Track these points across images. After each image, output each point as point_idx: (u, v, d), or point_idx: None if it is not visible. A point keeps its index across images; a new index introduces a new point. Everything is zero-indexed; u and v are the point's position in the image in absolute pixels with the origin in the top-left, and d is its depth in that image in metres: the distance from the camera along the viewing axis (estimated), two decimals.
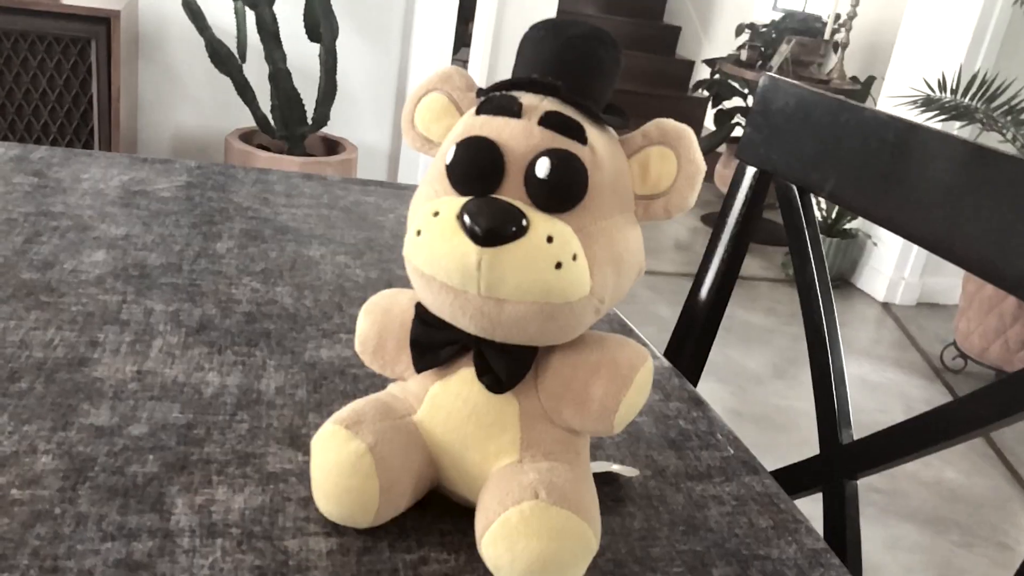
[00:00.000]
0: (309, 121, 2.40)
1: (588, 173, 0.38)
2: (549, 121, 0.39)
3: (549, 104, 0.39)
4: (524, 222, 0.37)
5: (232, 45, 2.31)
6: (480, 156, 0.39)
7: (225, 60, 2.25)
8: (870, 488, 2.01)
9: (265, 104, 2.49)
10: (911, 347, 2.86)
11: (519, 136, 0.38)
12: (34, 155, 0.88)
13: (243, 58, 2.29)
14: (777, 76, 0.77)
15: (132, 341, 0.57)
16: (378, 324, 0.44)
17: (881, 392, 2.50)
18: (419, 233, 0.39)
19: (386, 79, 2.76)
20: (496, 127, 0.39)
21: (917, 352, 2.82)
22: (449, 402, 0.42)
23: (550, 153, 0.38)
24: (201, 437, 0.48)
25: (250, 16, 2.38)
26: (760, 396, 2.35)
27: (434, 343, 0.42)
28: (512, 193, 0.38)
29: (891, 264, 3.16)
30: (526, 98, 0.40)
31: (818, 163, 0.71)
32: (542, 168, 0.38)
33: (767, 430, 2.20)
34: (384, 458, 0.41)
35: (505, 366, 0.41)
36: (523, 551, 0.38)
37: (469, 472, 0.43)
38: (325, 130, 2.64)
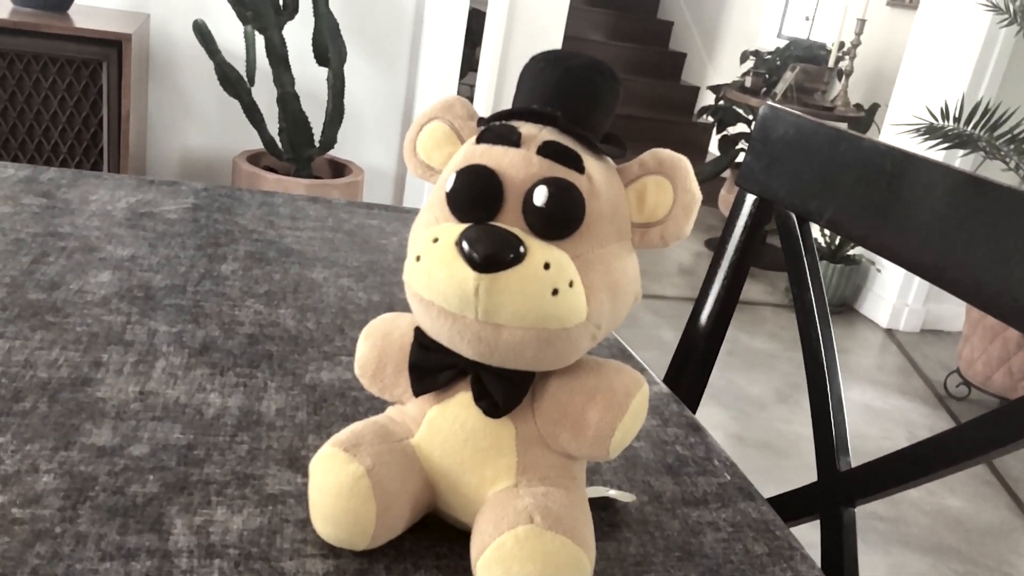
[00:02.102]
0: (316, 144, 2.42)
1: (585, 201, 0.39)
2: (547, 150, 0.39)
3: (548, 134, 0.40)
4: (521, 249, 0.38)
5: (241, 68, 2.34)
6: (479, 184, 0.39)
7: (234, 83, 2.27)
8: (873, 516, 2.00)
9: (273, 126, 2.52)
10: (915, 374, 2.85)
11: (518, 165, 0.39)
12: (43, 176, 0.89)
13: (252, 81, 2.32)
14: (777, 105, 0.78)
15: (135, 362, 0.57)
16: (377, 348, 0.45)
17: (884, 419, 2.49)
18: (419, 259, 0.40)
19: (393, 103, 2.79)
20: (495, 156, 0.40)
21: (921, 379, 2.82)
22: (446, 426, 0.43)
23: (548, 182, 0.39)
24: (201, 458, 0.49)
25: (259, 40, 2.41)
26: (763, 421, 2.34)
27: (432, 367, 0.42)
28: (510, 221, 0.39)
29: (895, 290, 3.16)
30: (525, 128, 0.40)
31: (817, 192, 0.72)
32: (540, 196, 0.38)
33: (769, 455, 2.19)
34: (381, 481, 0.41)
35: (502, 391, 0.41)
36: (518, 575, 0.39)
37: (466, 496, 0.43)
38: (332, 153, 2.66)
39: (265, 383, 0.57)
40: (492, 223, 0.39)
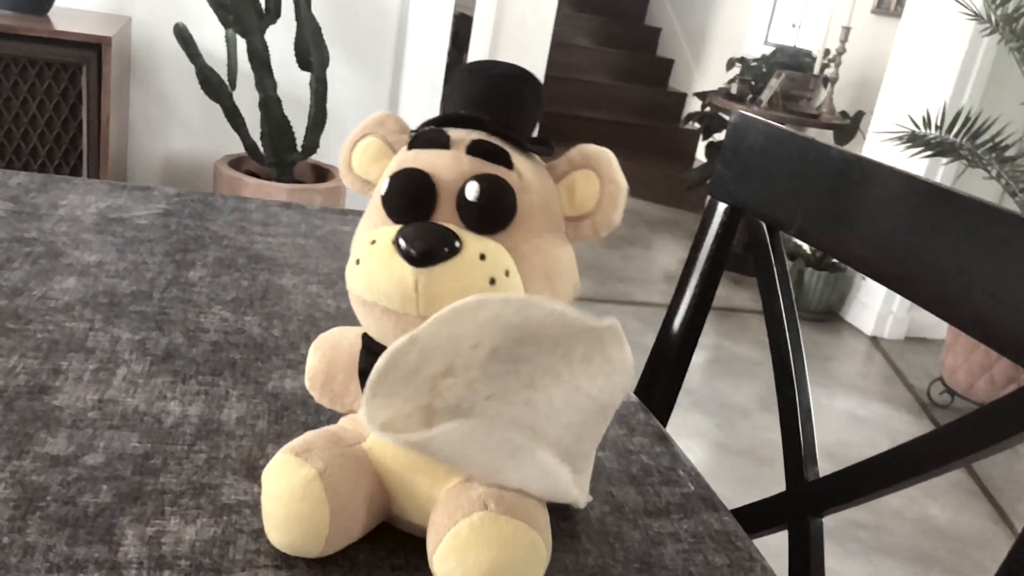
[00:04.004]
0: (299, 148, 2.42)
1: (516, 195, 0.41)
2: (476, 149, 0.41)
3: (476, 136, 0.42)
4: (457, 243, 0.39)
5: (223, 72, 2.33)
6: (412, 185, 0.41)
7: (215, 87, 2.26)
8: (855, 524, 2.00)
9: (255, 131, 2.51)
10: (899, 381, 2.86)
11: (449, 165, 0.41)
12: (12, 181, 0.88)
13: (233, 85, 2.31)
14: (748, 113, 0.78)
15: (96, 369, 0.57)
16: (327, 358, 0.46)
17: (868, 427, 2.50)
18: (358, 262, 0.41)
19: (377, 107, 2.78)
20: (427, 159, 0.41)
21: (904, 387, 2.83)
22: None
23: (479, 177, 0.40)
24: (157, 467, 0.48)
25: (241, 44, 2.40)
26: (746, 429, 2.35)
27: None
28: (445, 218, 0.40)
29: (879, 298, 3.17)
30: (454, 132, 0.42)
31: (786, 201, 0.72)
32: (471, 191, 0.40)
33: (753, 463, 2.19)
34: (334, 483, 0.41)
35: None
36: (474, 562, 0.39)
37: (419, 496, 0.43)
38: (315, 157, 2.65)
39: (227, 391, 0.57)
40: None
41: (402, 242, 0.39)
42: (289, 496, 0.41)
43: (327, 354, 0.46)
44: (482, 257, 0.39)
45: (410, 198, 0.40)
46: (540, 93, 0.43)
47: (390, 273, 0.39)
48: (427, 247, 0.38)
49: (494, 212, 0.40)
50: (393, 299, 0.39)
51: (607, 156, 0.43)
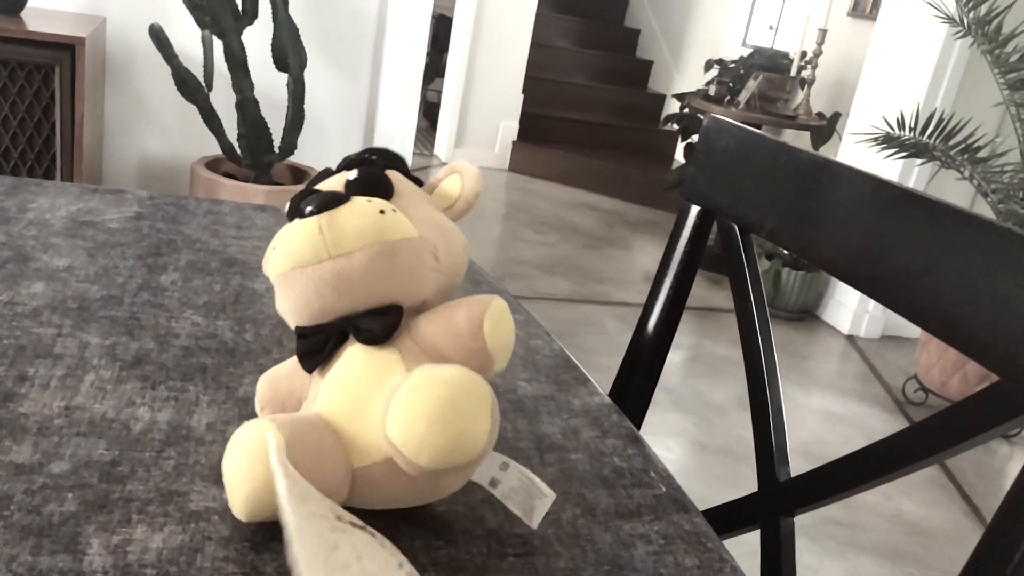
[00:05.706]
0: (276, 150, 2.40)
1: (392, 181, 0.48)
2: (353, 163, 0.50)
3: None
4: (347, 199, 0.46)
5: (199, 73, 2.31)
6: (308, 194, 0.48)
7: (192, 88, 2.25)
8: (830, 521, 2.02)
9: (232, 132, 2.49)
10: (874, 380, 2.89)
11: (335, 181, 0.49)
12: None
13: (210, 87, 2.29)
14: (720, 116, 0.78)
15: (63, 376, 0.56)
16: (272, 381, 0.52)
17: (844, 424, 2.52)
18: (274, 248, 0.46)
19: (355, 108, 2.78)
20: (320, 185, 0.49)
21: (880, 385, 2.85)
22: (339, 380, 0.47)
23: (358, 169, 0.48)
24: (125, 474, 0.48)
25: (217, 45, 2.39)
26: (725, 428, 2.36)
27: (317, 345, 0.47)
28: None
29: (855, 298, 3.20)
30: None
31: (757, 203, 0.72)
32: (352, 175, 0.48)
33: (732, 461, 2.20)
34: (286, 425, 0.44)
35: (377, 320, 0.46)
36: (420, 407, 0.41)
37: (374, 421, 0.44)
38: (292, 159, 2.64)
39: (197, 397, 0.56)
40: None
41: (303, 207, 0.46)
42: (248, 450, 0.43)
43: (271, 378, 0.52)
44: (369, 200, 0.46)
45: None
46: (407, 167, 0.52)
47: (298, 231, 0.45)
48: (322, 200, 0.45)
49: (373, 183, 0.47)
50: (305, 252, 0.44)
51: (463, 161, 0.52)
